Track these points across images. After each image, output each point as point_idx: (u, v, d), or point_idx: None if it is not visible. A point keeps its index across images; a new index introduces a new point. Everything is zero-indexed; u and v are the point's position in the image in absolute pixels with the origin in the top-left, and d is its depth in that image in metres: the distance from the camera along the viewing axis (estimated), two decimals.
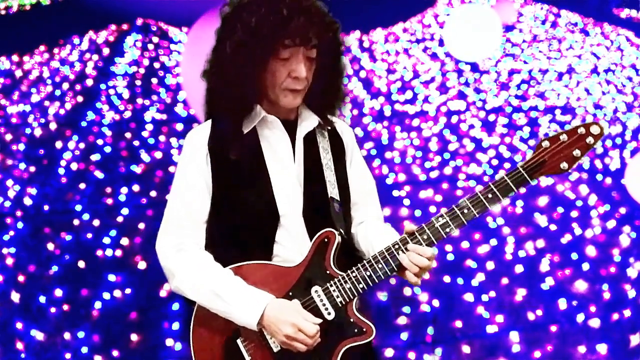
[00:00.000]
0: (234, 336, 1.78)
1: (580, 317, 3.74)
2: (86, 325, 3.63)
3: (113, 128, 4.85)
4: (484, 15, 4.74)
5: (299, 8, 1.70)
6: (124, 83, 5.29)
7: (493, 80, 5.70)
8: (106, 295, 3.76)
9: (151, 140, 4.76)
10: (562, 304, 3.81)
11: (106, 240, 4.03)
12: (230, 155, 1.79)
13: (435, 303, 3.80)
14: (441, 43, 5.86)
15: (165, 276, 1.83)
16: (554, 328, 3.70)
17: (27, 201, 4.26)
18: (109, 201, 4.30)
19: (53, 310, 3.70)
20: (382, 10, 5.95)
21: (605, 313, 3.77)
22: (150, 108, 5.06)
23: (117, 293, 3.78)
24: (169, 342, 3.54)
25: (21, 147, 4.63)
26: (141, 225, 4.09)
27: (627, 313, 3.77)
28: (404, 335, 3.63)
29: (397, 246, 1.71)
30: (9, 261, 3.90)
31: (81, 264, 3.92)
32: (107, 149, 4.66)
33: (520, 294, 3.87)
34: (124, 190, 4.35)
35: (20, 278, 3.83)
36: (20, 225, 4.11)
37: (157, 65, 5.53)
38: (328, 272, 1.74)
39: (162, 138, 4.78)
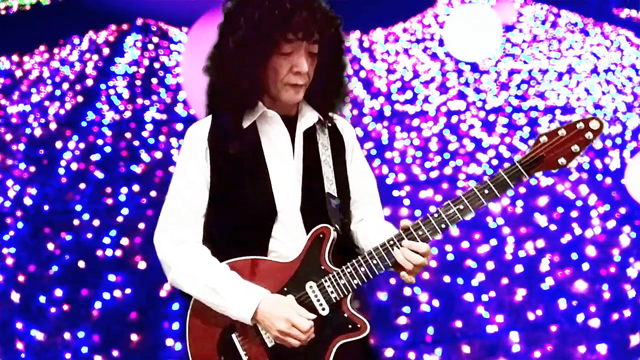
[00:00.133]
0: (229, 330, 1.78)
1: (580, 317, 3.74)
2: (86, 325, 3.63)
3: (113, 128, 4.85)
4: (484, 15, 4.74)
5: (302, 3, 1.70)
6: (124, 83, 5.30)
7: (493, 80, 5.70)
8: (106, 295, 3.76)
9: (151, 140, 4.76)
10: (562, 304, 3.81)
11: (106, 240, 4.03)
12: (230, 150, 1.80)
13: (435, 303, 3.80)
14: (441, 43, 5.86)
15: (168, 282, 1.84)
16: (554, 328, 3.70)
17: (27, 201, 4.26)
18: (109, 201, 4.30)
19: (53, 310, 3.70)
20: (382, 10, 5.95)
21: (605, 313, 3.77)
22: (150, 108, 5.06)
23: (117, 293, 3.78)
24: (169, 342, 3.54)
25: (21, 147, 4.63)
26: (141, 225, 4.09)
27: (627, 313, 3.77)
28: (404, 335, 3.63)
29: (391, 242, 1.70)
30: (9, 261, 3.90)
31: (81, 264, 3.91)
32: (107, 149, 4.66)
33: (520, 294, 3.87)
34: (124, 190, 4.35)
35: (20, 278, 3.83)
36: (20, 225, 4.11)
37: (157, 65, 5.53)
38: (323, 267, 1.74)
39: (162, 138, 4.78)
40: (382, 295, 3.73)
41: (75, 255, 3.95)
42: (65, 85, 5.20)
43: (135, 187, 4.37)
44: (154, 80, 5.34)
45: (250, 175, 1.81)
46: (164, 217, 1.84)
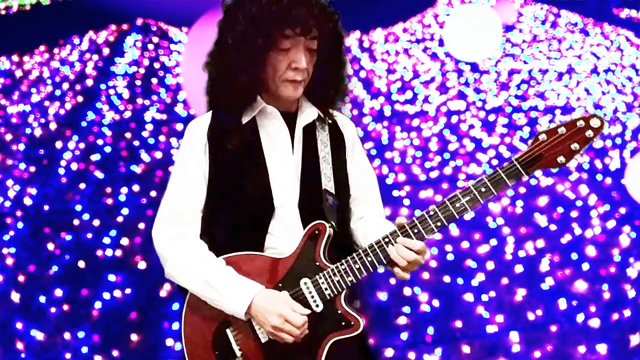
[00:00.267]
0: (223, 325, 1.79)
1: (580, 317, 3.74)
2: (86, 325, 3.63)
3: (113, 128, 4.84)
4: (484, 15, 4.73)
5: None
6: (124, 83, 5.29)
7: (493, 80, 5.69)
8: (106, 295, 3.76)
9: (151, 140, 4.76)
10: (562, 304, 3.81)
11: (106, 240, 4.03)
12: (229, 146, 1.80)
13: (435, 303, 3.79)
14: (441, 43, 5.85)
15: (165, 275, 1.84)
16: (554, 328, 3.70)
17: (27, 201, 4.26)
18: (109, 201, 4.30)
19: (53, 310, 3.70)
20: (382, 10, 5.94)
21: (605, 313, 3.77)
22: (150, 108, 5.05)
23: (117, 293, 3.78)
24: (169, 342, 3.54)
25: (21, 147, 4.62)
26: (141, 225, 4.09)
27: (627, 313, 3.77)
28: (404, 335, 3.63)
29: (387, 239, 1.70)
30: (9, 261, 3.90)
31: (81, 264, 3.92)
32: (107, 149, 4.66)
33: (520, 294, 3.87)
34: (124, 190, 4.35)
35: (20, 278, 3.83)
36: (20, 225, 4.11)
37: (157, 65, 5.52)
38: (318, 264, 1.75)
39: (162, 138, 4.78)
40: (382, 295, 3.73)
41: (75, 255, 3.95)
42: (65, 85, 5.20)
43: (135, 187, 4.37)
44: (154, 80, 5.34)
45: (248, 170, 1.82)
46: (164, 212, 1.85)
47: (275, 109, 1.83)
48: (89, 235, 4.06)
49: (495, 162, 4.79)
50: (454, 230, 4.11)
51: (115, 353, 3.51)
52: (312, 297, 1.73)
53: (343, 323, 1.72)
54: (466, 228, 4.14)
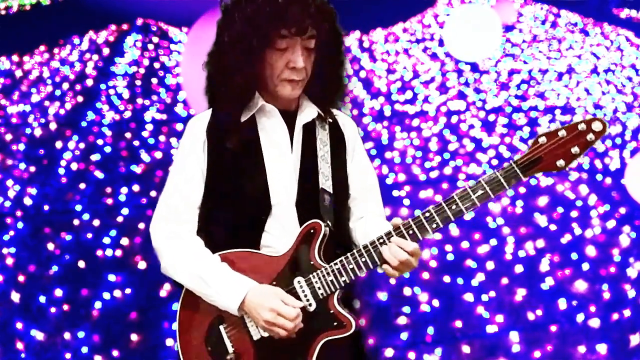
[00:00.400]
0: (217, 322, 1.79)
1: (580, 317, 3.74)
2: (86, 325, 3.63)
3: (113, 128, 4.85)
4: (484, 15, 4.74)
5: None
6: (124, 83, 5.29)
7: (493, 80, 5.70)
8: (106, 295, 3.76)
9: (151, 140, 4.77)
10: (562, 304, 3.81)
11: (106, 240, 4.03)
12: (227, 144, 1.80)
13: (435, 303, 3.79)
14: (441, 43, 5.86)
15: (165, 275, 1.85)
16: (554, 328, 3.70)
17: (27, 201, 4.26)
18: (109, 201, 4.30)
19: (53, 310, 3.70)
20: (382, 10, 5.94)
21: (605, 313, 3.77)
22: (150, 108, 5.06)
23: (117, 293, 3.78)
24: (169, 342, 3.54)
25: (21, 147, 4.63)
26: (141, 225, 4.09)
27: (627, 313, 3.77)
28: (404, 335, 3.63)
29: (381, 240, 1.69)
30: (9, 261, 3.90)
31: (81, 264, 3.91)
32: (107, 149, 4.66)
33: (520, 294, 3.87)
34: (124, 190, 4.35)
35: (20, 278, 3.83)
36: (20, 225, 4.11)
37: (157, 65, 5.53)
38: (312, 263, 1.74)
39: (162, 138, 4.78)
40: (382, 295, 3.72)
41: (75, 255, 3.95)
42: (65, 85, 5.20)
43: (135, 187, 4.37)
44: (154, 80, 5.34)
45: (246, 168, 1.82)
46: (161, 208, 1.85)
47: (274, 107, 1.83)
48: (89, 235, 4.06)
49: (495, 162, 4.79)
50: (454, 230, 4.11)
51: (115, 353, 3.51)
52: (305, 296, 1.72)
53: (335, 323, 1.71)
54: (466, 228, 4.14)
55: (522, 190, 4.44)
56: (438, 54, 5.96)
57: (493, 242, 4.15)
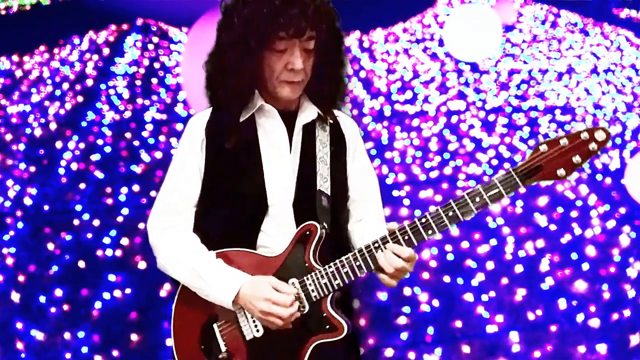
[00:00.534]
0: (211, 320, 1.80)
1: (580, 317, 3.74)
2: (86, 325, 3.63)
3: (113, 128, 4.84)
4: (484, 15, 4.74)
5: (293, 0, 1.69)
6: (124, 83, 5.29)
7: (493, 80, 5.70)
8: (106, 295, 3.76)
9: (151, 140, 4.76)
10: (562, 304, 3.81)
11: (106, 240, 4.03)
12: (226, 144, 1.80)
13: (435, 303, 3.79)
14: (441, 43, 5.86)
15: (165, 275, 1.85)
16: (553, 328, 3.70)
17: (27, 201, 4.26)
18: (109, 201, 4.30)
19: (53, 310, 3.70)
20: (382, 10, 5.94)
21: (605, 313, 3.77)
22: (150, 108, 5.06)
23: (117, 293, 3.78)
24: (169, 342, 3.53)
25: (21, 147, 4.63)
26: (141, 225, 4.09)
27: (626, 313, 3.77)
28: (404, 335, 3.63)
29: (376, 245, 1.67)
30: (9, 261, 3.90)
31: (81, 264, 3.91)
32: (107, 149, 4.66)
33: (520, 294, 3.87)
34: (124, 190, 4.35)
35: (20, 278, 3.83)
36: (20, 225, 4.11)
37: (157, 65, 5.52)
38: (307, 265, 1.74)
39: (162, 138, 4.78)
40: (382, 295, 3.73)
41: (75, 255, 3.95)
42: (65, 85, 5.20)
43: (135, 187, 4.37)
44: (154, 80, 5.34)
45: (243, 167, 1.82)
46: (159, 205, 1.87)
47: (273, 108, 1.83)
48: (89, 235, 4.07)
49: (495, 162, 4.79)
50: (454, 230, 4.11)
51: (115, 353, 3.51)
52: (299, 297, 1.72)
53: (327, 326, 1.70)
54: (466, 228, 4.14)
55: (522, 190, 4.43)
56: (438, 54, 5.96)
57: (493, 242, 4.15)
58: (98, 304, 3.72)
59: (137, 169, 4.52)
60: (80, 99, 5.10)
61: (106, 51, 5.62)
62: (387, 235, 1.67)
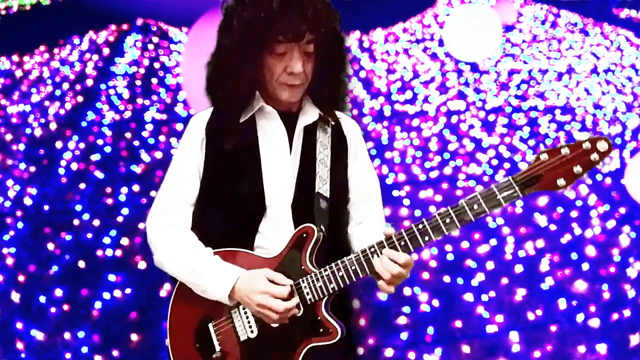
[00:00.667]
0: (206, 319, 1.80)
1: (580, 317, 3.75)
2: (86, 325, 3.63)
3: (113, 128, 4.84)
4: (484, 15, 4.74)
5: (292, 3, 1.68)
6: (124, 83, 5.29)
7: (493, 80, 5.69)
8: (106, 295, 3.76)
9: (151, 140, 4.76)
10: (562, 304, 3.81)
11: (106, 240, 4.03)
12: (226, 145, 1.80)
13: (435, 303, 3.80)
14: (441, 43, 5.85)
15: (165, 275, 1.86)
16: (553, 328, 3.70)
17: (27, 201, 4.26)
18: (109, 201, 4.30)
19: (53, 310, 3.70)
20: (382, 10, 5.94)
21: (605, 313, 3.77)
22: (150, 108, 5.05)
23: (117, 293, 3.78)
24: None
25: (21, 147, 4.62)
26: (141, 225, 4.09)
27: (626, 313, 3.77)
28: (404, 335, 3.63)
29: (372, 250, 1.66)
30: (9, 261, 3.90)
31: (81, 264, 3.92)
32: (107, 149, 4.66)
33: (520, 294, 3.88)
34: (124, 190, 4.35)
35: (20, 278, 3.83)
36: (20, 225, 4.11)
37: (157, 65, 5.52)
38: (303, 267, 1.73)
39: (162, 138, 4.78)
40: (382, 295, 3.73)
41: (75, 255, 3.95)
42: (65, 85, 5.20)
43: (135, 187, 4.37)
44: (154, 80, 5.34)
45: (242, 168, 1.82)
46: (158, 203, 1.88)
47: (273, 109, 1.83)
48: (89, 235, 4.07)
49: (495, 162, 4.79)
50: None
51: (115, 353, 3.51)
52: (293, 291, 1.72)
53: (321, 330, 1.70)
54: (466, 228, 4.10)
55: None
56: (438, 54, 5.96)
57: (493, 242, 4.15)
58: (98, 304, 3.72)
59: (137, 169, 4.52)
60: (80, 99, 5.09)
61: (106, 51, 5.62)
62: (384, 240, 1.66)
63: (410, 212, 4.28)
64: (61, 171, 4.49)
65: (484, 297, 3.83)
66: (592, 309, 3.79)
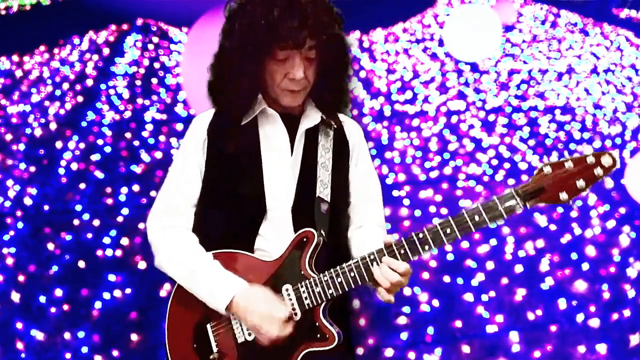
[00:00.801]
0: (205, 321, 1.80)
1: (580, 317, 3.75)
2: (86, 325, 3.63)
3: (113, 128, 4.84)
4: (484, 15, 4.74)
5: (292, 9, 1.67)
6: (124, 83, 5.29)
7: (493, 80, 5.69)
8: (106, 295, 3.76)
9: (151, 140, 4.76)
10: (562, 304, 3.81)
11: (106, 240, 4.03)
12: (227, 147, 1.80)
13: (435, 303, 3.80)
14: (441, 43, 5.85)
15: (165, 275, 1.86)
16: (553, 328, 3.70)
17: (27, 201, 4.26)
18: (109, 201, 4.30)
19: (53, 310, 3.70)
20: (382, 10, 5.94)
21: (605, 313, 3.77)
22: (150, 108, 5.05)
23: (117, 293, 3.78)
24: None
25: (21, 147, 4.62)
26: (141, 225, 4.09)
27: (626, 313, 3.77)
28: (404, 335, 3.63)
29: (372, 257, 1.66)
30: (9, 261, 3.90)
31: (81, 264, 3.92)
32: (107, 149, 4.66)
33: (520, 294, 3.88)
34: (124, 190, 4.35)
35: (20, 278, 3.83)
36: (20, 225, 4.11)
37: (157, 65, 5.52)
38: (302, 272, 1.73)
39: (162, 138, 4.78)
40: None
41: (75, 255, 3.95)
42: (65, 85, 5.20)
43: (135, 187, 4.37)
44: (154, 80, 5.34)
45: (243, 170, 1.82)
46: (159, 203, 1.88)
47: (275, 112, 1.83)
48: (89, 235, 4.07)
49: (495, 162, 4.79)
50: None
51: (115, 353, 3.51)
52: (292, 304, 1.72)
53: (318, 335, 1.70)
54: None
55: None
56: (438, 54, 5.96)
57: (493, 242, 4.15)
58: (98, 304, 3.72)
59: (137, 169, 4.52)
60: (80, 99, 5.09)
61: (106, 51, 5.62)
62: (384, 247, 1.65)
63: (410, 212, 4.28)
64: (61, 171, 4.49)
65: (484, 297, 3.83)
66: (592, 309, 3.79)
